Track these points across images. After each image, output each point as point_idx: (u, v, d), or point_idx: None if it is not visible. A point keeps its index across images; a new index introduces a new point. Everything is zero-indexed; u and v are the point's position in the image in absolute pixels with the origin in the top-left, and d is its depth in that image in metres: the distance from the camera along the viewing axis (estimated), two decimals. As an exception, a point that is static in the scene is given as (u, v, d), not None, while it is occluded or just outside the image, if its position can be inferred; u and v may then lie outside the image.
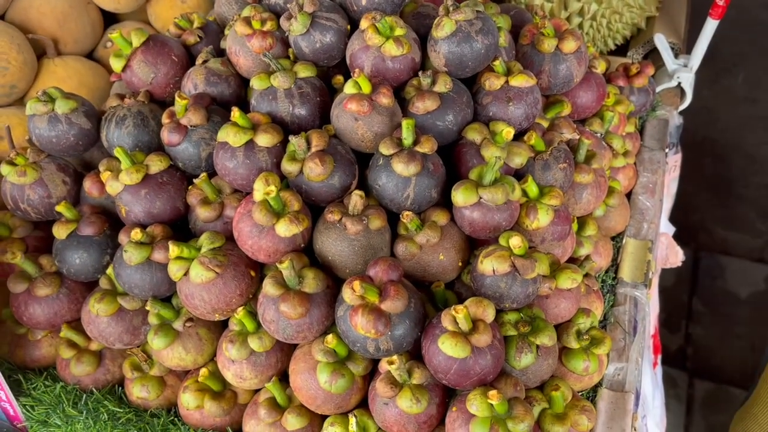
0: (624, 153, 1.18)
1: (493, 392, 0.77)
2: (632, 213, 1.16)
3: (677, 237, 1.44)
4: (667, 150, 1.29)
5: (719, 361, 2.30)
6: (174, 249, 0.87)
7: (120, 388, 1.00)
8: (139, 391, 0.96)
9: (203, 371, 0.92)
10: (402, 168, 0.87)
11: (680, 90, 1.41)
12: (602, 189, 1.04)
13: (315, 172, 0.87)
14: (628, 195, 1.20)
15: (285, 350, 0.92)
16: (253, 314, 0.90)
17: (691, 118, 1.59)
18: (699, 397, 2.21)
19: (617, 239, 1.13)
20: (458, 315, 0.79)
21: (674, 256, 1.32)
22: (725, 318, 2.41)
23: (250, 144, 0.90)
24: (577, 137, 1.01)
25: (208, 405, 0.92)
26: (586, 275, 0.99)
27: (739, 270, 2.55)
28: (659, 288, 2.47)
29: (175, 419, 0.95)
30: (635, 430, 0.92)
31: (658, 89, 1.39)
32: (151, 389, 0.96)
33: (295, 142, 0.88)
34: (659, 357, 1.37)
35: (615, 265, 1.10)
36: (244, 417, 0.93)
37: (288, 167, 0.89)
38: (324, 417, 0.90)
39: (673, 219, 1.60)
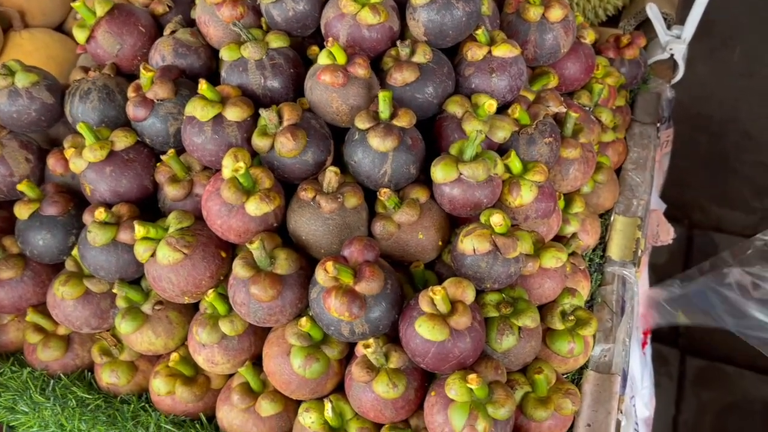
0: (613, 127, 1.14)
1: (472, 376, 0.73)
2: (621, 189, 1.12)
3: (670, 214, 1.40)
4: (658, 124, 1.25)
5: (711, 338, 2.28)
6: (140, 229, 0.83)
7: (90, 374, 0.97)
8: (108, 377, 0.93)
9: (174, 356, 0.89)
10: (378, 143, 0.82)
11: (673, 62, 1.36)
12: (590, 164, 1.00)
13: (287, 147, 0.83)
14: (618, 171, 1.16)
15: (258, 334, 0.88)
16: (224, 297, 0.86)
17: (685, 92, 1.55)
18: (690, 374, 2.19)
19: (605, 217, 1.10)
20: (436, 296, 0.75)
21: (665, 233, 1.29)
22: (718, 295, 2.39)
23: (218, 118, 0.85)
24: (564, 110, 0.97)
25: (179, 391, 0.89)
26: (573, 254, 0.96)
27: (733, 247, 2.52)
28: (652, 265, 2.45)
29: (146, 405, 0.92)
30: (621, 412, 0.90)
31: (650, 61, 1.34)
32: (120, 375, 0.93)
33: (266, 116, 0.83)
34: (649, 336, 1.34)
35: (603, 243, 1.06)
36: (218, 403, 0.90)
37: (258, 142, 0.84)
38: (299, 402, 0.86)
39: (666, 196, 1.56)
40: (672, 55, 1.34)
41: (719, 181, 2.72)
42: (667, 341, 2.26)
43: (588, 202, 1.06)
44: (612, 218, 1.08)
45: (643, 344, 1.23)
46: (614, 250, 1.03)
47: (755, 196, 2.66)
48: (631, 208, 1.09)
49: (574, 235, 0.97)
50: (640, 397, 1.18)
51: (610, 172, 1.09)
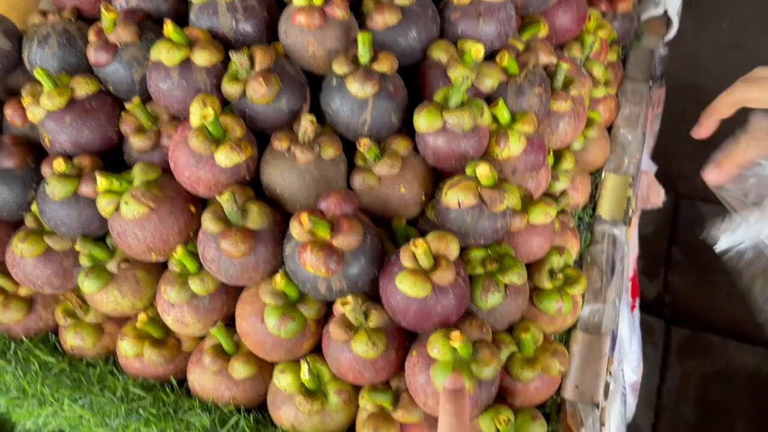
0: (605, 82, 1.09)
1: (455, 333, 0.69)
2: (613, 147, 1.08)
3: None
4: (651, 83, 1.21)
5: (696, 308, 2.27)
6: (102, 181, 0.78)
7: (54, 337, 0.92)
8: (73, 339, 0.88)
9: (141, 316, 0.84)
10: (357, 88, 0.77)
11: (666, 19, 1.31)
12: (581, 119, 0.96)
13: (259, 93, 0.78)
14: (609, 129, 1.12)
15: (231, 293, 0.84)
16: (194, 254, 0.81)
17: (674, 64, 1.51)
18: (676, 344, 2.19)
19: (596, 175, 1.05)
20: (417, 250, 0.71)
21: (655, 196, 1.25)
22: (704, 266, 2.38)
23: (186, 63, 0.80)
24: (555, 61, 0.92)
25: (148, 353, 0.84)
26: (562, 212, 0.92)
27: (719, 218, 2.51)
28: (638, 236, 2.43)
29: (114, 369, 0.87)
30: (611, 374, 0.86)
31: (643, 18, 1.29)
32: (86, 337, 0.88)
33: (237, 59, 0.78)
34: (638, 300, 1.31)
35: (593, 202, 1.02)
36: (189, 365, 0.85)
37: (229, 88, 0.79)
38: (274, 365, 0.82)
39: (654, 162, 1.52)
40: (666, 11, 1.29)
41: (707, 152, 2.69)
42: (653, 312, 2.25)
43: (578, 159, 1.02)
44: (603, 176, 1.04)
45: (632, 308, 1.20)
46: (605, 209, 1.00)
47: (742, 166, 2.64)
48: (623, 166, 1.05)
49: (563, 192, 0.93)
50: (628, 362, 1.16)
51: (602, 129, 1.04)
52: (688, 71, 2.88)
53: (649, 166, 1.29)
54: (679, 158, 2.68)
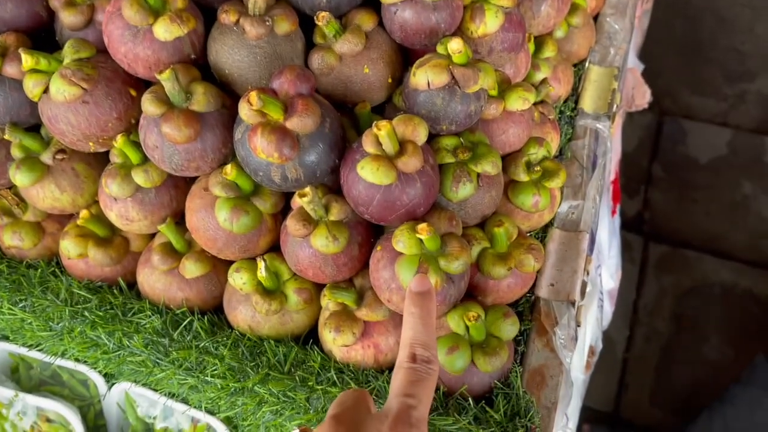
0: (593, -34, 1.00)
1: (422, 225, 0.64)
2: (598, 37, 1.00)
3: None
4: (641, -28, 1.11)
5: (675, 225, 2.25)
6: (27, 59, 0.69)
7: (-8, 238, 0.85)
8: (10, 239, 0.81)
9: (83, 213, 0.77)
10: (313, -49, 0.68)
11: None
12: (564, 2, 0.87)
13: (201, -45, 0.68)
14: (596, 19, 1.04)
15: (180, 187, 0.77)
16: (137, 144, 0.74)
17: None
18: (653, 260, 2.18)
19: (579, 67, 0.98)
20: (381, 132, 0.63)
21: (641, 96, 1.18)
22: (684, 183, 2.35)
23: None
24: (538, -67, 0.82)
25: (92, 252, 0.77)
26: (542, 102, 0.85)
27: (702, 134, 2.46)
28: (621, 153, 2.38)
29: (57, 271, 0.81)
30: (588, 273, 0.82)
31: None
32: (24, 236, 0.81)
33: None
34: (618, 206, 1.27)
35: (575, 95, 0.95)
36: (138, 266, 0.79)
37: (168, -49, 0.69)
38: (230, 264, 0.76)
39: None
40: None
41: (692, 68, 2.61)
42: (632, 229, 2.23)
43: (561, 49, 0.94)
44: (586, 67, 0.96)
45: (613, 212, 1.15)
46: (587, 102, 0.93)
47: (727, 82, 2.57)
48: (608, 57, 0.97)
49: (544, 80, 0.85)
50: (606, 268, 1.12)
51: (587, 16, 0.96)
52: (676, -17, 2.77)
53: (635, 64, 1.22)
54: (664, 75, 2.61)
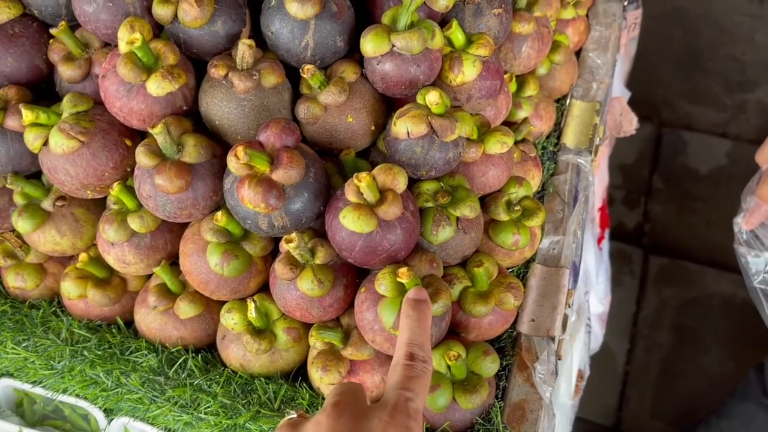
0: (575, 3, 1.03)
1: (402, 269, 0.67)
2: (581, 72, 1.02)
3: (639, 113, 1.31)
4: (625, 3, 1.14)
5: (675, 237, 2.27)
6: (27, 114, 0.73)
7: (-3, 279, 0.89)
8: (14, 281, 0.84)
9: (82, 256, 0.81)
10: (296, 8, 0.71)
11: (645, -66, 1.23)
12: (545, 42, 0.90)
13: (191, 15, 0.71)
14: (578, 54, 1.06)
15: (175, 231, 0.80)
16: (132, 190, 0.77)
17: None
18: (653, 272, 2.19)
19: (562, 102, 1.01)
20: (361, 184, 0.67)
21: (628, 123, 1.21)
22: (684, 194, 2.36)
23: (111, -18, 0.73)
24: (517, -22, 0.85)
25: (91, 293, 0.81)
26: (524, 141, 0.88)
27: (702, 145, 2.47)
28: (620, 165, 2.39)
29: (58, 311, 0.85)
30: (570, 306, 0.84)
31: (620, -68, 1.21)
32: (27, 278, 0.84)
33: (165, -22, 0.71)
34: (607, 231, 1.29)
35: (558, 130, 0.98)
36: (135, 306, 0.82)
37: (159, 10, 0.73)
38: (223, 303, 0.79)
39: (636, 94, 1.45)
40: (644, -76, 1.21)
41: (691, 78, 2.63)
42: (632, 241, 2.24)
43: (543, 86, 0.97)
44: (568, 102, 0.99)
45: (600, 239, 1.18)
46: (569, 137, 0.95)
47: (726, 92, 2.58)
48: (590, 91, 1.00)
49: (525, 119, 0.88)
50: (595, 293, 1.14)
51: (569, 53, 0.99)
52: (672, -7, 2.78)
53: (622, 93, 1.24)
54: (663, 85, 2.62)
